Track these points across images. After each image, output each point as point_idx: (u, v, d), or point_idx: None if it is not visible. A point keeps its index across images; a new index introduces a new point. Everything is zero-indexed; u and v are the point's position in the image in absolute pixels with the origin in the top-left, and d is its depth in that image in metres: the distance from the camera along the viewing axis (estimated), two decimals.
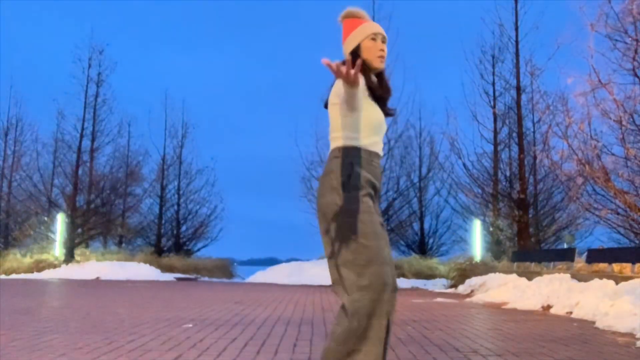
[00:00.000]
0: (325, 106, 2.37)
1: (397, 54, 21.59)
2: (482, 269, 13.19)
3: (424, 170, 21.43)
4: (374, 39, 2.36)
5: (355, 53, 2.36)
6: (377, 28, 2.39)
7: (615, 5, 9.56)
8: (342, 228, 2.10)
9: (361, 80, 2.22)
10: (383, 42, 2.38)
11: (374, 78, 2.38)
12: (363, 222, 2.10)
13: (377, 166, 2.28)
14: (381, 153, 2.31)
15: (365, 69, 2.33)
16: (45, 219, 20.44)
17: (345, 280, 2.07)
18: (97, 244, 22.84)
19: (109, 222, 21.58)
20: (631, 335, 4.55)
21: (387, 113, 2.40)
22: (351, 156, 2.21)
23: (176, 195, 23.89)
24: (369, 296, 2.03)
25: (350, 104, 2.15)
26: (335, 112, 2.27)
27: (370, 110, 2.27)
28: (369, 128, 2.26)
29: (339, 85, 2.22)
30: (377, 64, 2.36)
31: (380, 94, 2.31)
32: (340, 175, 2.18)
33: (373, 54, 2.34)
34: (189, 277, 18.79)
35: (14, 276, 16.64)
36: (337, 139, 2.25)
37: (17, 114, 23.54)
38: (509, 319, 5.95)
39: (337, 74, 1.97)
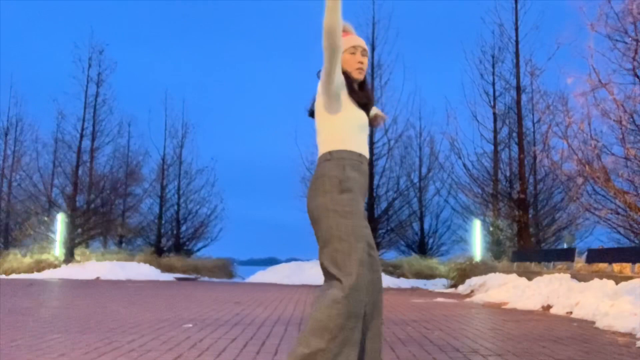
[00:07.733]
0: (310, 114, 2.47)
1: (397, 54, 21.76)
2: (482, 269, 13.19)
3: (424, 170, 21.44)
4: (353, 53, 2.47)
5: None
6: (357, 41, 2.48)
7: (615, 5, 9.56)
8: (332, 229, 2.18)
9: (342, 81, 2.34)
10: (363, 54, 2.48)
11: (356, 87, 2.46)
12: (353, 225, 2.18)
13: (365, 169, 2.36)
14: (367, 155, 2.39)
15: (348, 78, 2.42)
16: (45, 219, 20.42)
17: (334, 276, 2.16)
18: (97, 244, 22.82)
19: (109, 222, 21.57)
20: (631, 335, 4.55)
21: (370, 122, 2.50)
22: (343, 159, 2.27)
23: (176, 195, 23.90)
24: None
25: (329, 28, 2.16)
26: (321, 117, 2.36)
27: (354, 112, 2.36)
28: (354, 129, 2.35)
29: (320, 92, 2.35)
30: (356, 75, 2.46)
31: (363, 101, 2.40)
32: (333, 178, 2.24)
33: (351, 66, 2.45)
34: (189, 277, 18.79)
35: (14, 276, 16.64)
36: (326, 143, 2.33)
37: (17, 114, 23.52)
38: (509, 319, 5.95)
39: None
